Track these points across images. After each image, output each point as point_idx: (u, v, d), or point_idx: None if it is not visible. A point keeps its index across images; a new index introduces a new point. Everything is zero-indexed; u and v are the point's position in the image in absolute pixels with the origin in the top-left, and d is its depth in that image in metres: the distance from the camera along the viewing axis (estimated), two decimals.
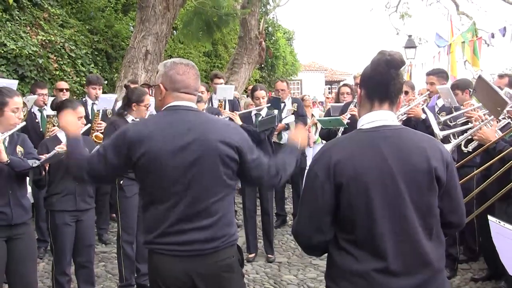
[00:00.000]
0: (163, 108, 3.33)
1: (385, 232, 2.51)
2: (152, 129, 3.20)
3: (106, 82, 12.87)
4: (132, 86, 8.17)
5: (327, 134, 7.94)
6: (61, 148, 5.04)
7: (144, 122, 3.52)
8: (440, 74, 7.28)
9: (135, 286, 6.15)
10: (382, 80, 2.66)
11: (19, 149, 4.50)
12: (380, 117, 2.66)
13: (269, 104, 7.67)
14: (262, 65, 21.94)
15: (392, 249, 2.51)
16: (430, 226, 2.59)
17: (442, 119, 6.03)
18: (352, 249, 2.58)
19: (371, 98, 2.70)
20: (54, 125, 6.60)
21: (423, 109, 6.50)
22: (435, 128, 5.60)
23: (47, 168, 5.04)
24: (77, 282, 5.61)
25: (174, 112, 3.27)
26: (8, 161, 4.21)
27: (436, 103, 7.33)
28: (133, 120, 5.93)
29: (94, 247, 5.79)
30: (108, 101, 8.12)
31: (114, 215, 9.10)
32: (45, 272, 6.69)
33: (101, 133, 7.29)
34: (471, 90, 5.37)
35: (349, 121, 7.24)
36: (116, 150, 3.21)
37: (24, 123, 4.51)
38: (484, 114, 5.35)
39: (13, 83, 6.50)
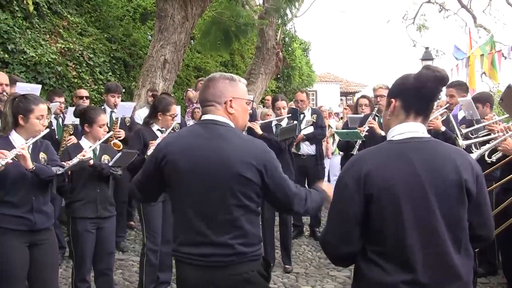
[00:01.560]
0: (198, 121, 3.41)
1: (414, 244, 2.50)
2: (176, 138, 3.33)
3: (123, 90, 12.91)
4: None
5: (345, 145, 7.97)
6: (83, 155, 5.08)
7: (177, 132, 3.55)
8: (459, 87, 7.23)
9: None
10: (427, 95, 2.67)
11: (42, 155, 4.52)
12: (411, 128, 2.66)
13: (290, 115, 7.69)
14: (278, 76, 21.94)
15: (421, 262, 2.50)
16: (459, 239, 2.57)
17: (464, 131, 5.99)
18: (381, 261, 2.56)
19: (408, 110, 2.69)
20: (70, 134, 6.63)
21: (448, 118, 6.46)
22: (459, 138, 5.58)
23: (69, 175, 5.07)
24: None
25: (201, 124, 3.31)
26: (34, 168, 4.22)
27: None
28: (158, 129, 5.95)
29: (114, 254, 5.80)
30: (126, 109, 8.14)
31: (131, 223, 9.16)
32: (63, 278, 6.69)
33: (120, 140, 7.33)
34: (500, 100, 5.32)
35: (367, 133, 7.25)
36: (152, 157, 3.38)
37: (48, 130, 4.53)
38: (508, 126, 5.32)
39: (36, 88, 6.55)
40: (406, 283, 2.50)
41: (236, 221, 3.13)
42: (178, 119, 6.95)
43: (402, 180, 2.52)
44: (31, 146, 4.36)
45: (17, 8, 11.45)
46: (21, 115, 4.31)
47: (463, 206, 2.56)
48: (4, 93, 6.30)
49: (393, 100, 2.75)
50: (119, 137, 7.49)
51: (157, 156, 3.30)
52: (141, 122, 7.48)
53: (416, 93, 2.67)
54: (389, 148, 2.66)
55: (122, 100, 8.48)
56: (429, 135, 2.74)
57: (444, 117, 6.82)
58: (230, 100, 3.27)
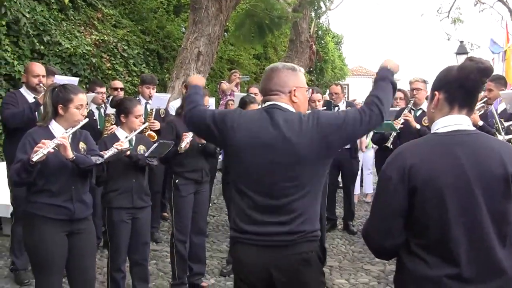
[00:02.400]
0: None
1: (459, 238, 2.46)
2: (243, 120, 3.36)
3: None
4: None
5: (379, 139, 7.90)
6: (119, 145, 5.10)
7: (241, 112, 3.58)
8: (498, 80, 7.13)
9: (187, 285, 6.15)
10: (470, 87, 2.63)
11: (81, 145, 4.54)
12: (456, 121, 2.62)
13: (325, 107, 7.65)
14: (311, 69, 21.86)
15: (465, 256, 2.46)
16: (504, 234, 2.52)
17: (506, 124, 5.90)
18: (424, 254, 2.53)
19: (452, 102, 2.64)
20: (112, 124, 6.66)
21: (485, 112, 6.38)
22: (499, 132, 5.50)
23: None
24: (131, 279, 5.65)
25: (266, 109, 3.37)
26: (74, 158, 4.24)
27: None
28: None
29: (149, 245, 5.82)
30: (161, 100, 8.17)
31: (165, 213, 9.19)
32: (98, 268, 6.71)
33: (154, 131, 7.35)
34: None
35: (402, 126, 7.19)
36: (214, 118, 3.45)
37: (87, 119, 4.54)
38: None
39: (73, 80, 6.60)
40: (450, 277, 2.47)
41: (297, 202, 3.20)
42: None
43: (447, 173, 2.48)
44: (70, 135, 4.38)
45: (52, 0, 11.58)
46: (60, 105, 4.33)
47: (508, 200, 2.51)
48: (41, 84, 6.34)
49: (436, 92, 2.70)
50: (154, 128, 7.51)
51: (220, 127, 3.38)
52: (174, 114, 7.50)
53: (459, 85, 2.62)
54: (433, 141, 2.62)
55: (156, 92, 8.50)
56: (474, 128, 2.70)
57: (482, 112, 6.73)
58: (294, 90, 3.36)
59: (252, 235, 3.26)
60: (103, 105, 7.96)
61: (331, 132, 3.18)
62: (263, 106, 3.45)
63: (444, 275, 2.47)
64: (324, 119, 3.22)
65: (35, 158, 3.94)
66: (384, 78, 3.37)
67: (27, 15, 10.32)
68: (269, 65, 3.57)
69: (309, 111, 7.30)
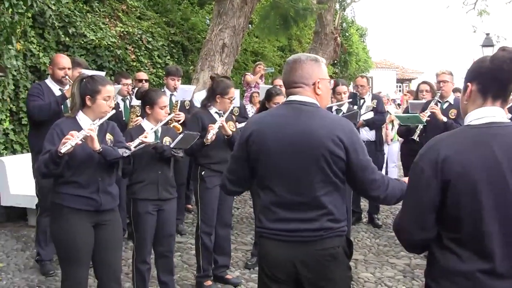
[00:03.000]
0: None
1: (493, 232, 2.40)
2: (262, 118, 3.42)
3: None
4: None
5: (405, 131, 7.85)
6: (144, 137, 5.10)
7: (263, 112, 3.63)
8: None
9: (212, 277, 6.15)
10: (504, 78, 2.54)
11: (108, 137, 4.54)
12: (490, 113, 2.55)
13: (350, 100, 7.60)
14: (335, 61, 21.73)
15: (499, 251, 2.40)
16: None
17: None
18: (457, 249, 2.48)
19: (485, 94, 2.57)
20: (137, 115, 6.67)
21: None
22: None
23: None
24: (156, 271, 5.65)
25: (289, 104, 3.36)
26: (101, 150, 4.24)
27: None
28: (216, 112, 5.92)
29: (174, 237, 5.83)
30: (186, 92, 8.18)
31: (189, 205, 9.21)
32: (122, 260, 6.72)
33: (180, 123, 7.35)
34: None
35: (428, 119, 7.14)
36: (238, 140, 3.50)
37: (114, 111, 4.54)
38: None
39: (100, 74, 6.61)
40: (483, 272, 2.42)
41: (323, 197, 3.19)
42: (236, 103, 6.90)
43: (481, 166, 2.42)
44: (98, 127, 4.38)
45: None
46: (88, 96, 4.34)
47: None
48: (67, 77, 6.37)
49: (469, 84, 2.63)
50: (179, 120, 7.50)
51: (242, 136, 3.41)
52: (199, 106, 7.49)
53: (492, 76, 2.55)
54: (467, 133, 2.56)
55: (181, 84, 8.50)
56: (508, 120, 2.63)
57: (510, 104, 6.64)
58: (318, 82, 3.33)
59: (277, 230, 3.24)
60: (128, 97, 7.98)
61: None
62: (286, 99, 3.43)
63: (477, 269, 2.42)
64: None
65: (63, 149, 3.95)
66: (400, 192, 3.34)
67: (53, 7, 10.40)
68: None
69: (335, 103, 7.28)
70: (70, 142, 3.96)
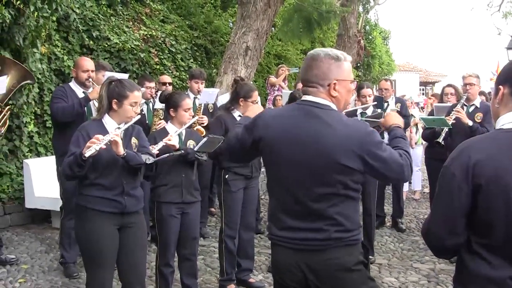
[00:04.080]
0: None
1: None
2: (274, 119, 3.26)
3: None
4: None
5: (430, 135, 7.77)
6: (168, 140, 5.09)
7: (275, 111, 3.53)
8: None
9: (236, 281, 6.13)
10: None
11: (133, 140, 4.54)
12: None
13: (375, 103, 7.55)
14: (358, 64, 21.70)
15: None
16: None
17: None
18: (487, 255, 2.42)
19: None
20: (160, 118, 6.68)
21: None
22: None
23: None
24: (180, 274, 5.65)
25: (301, 105, 3.22)
26: (124, 155, 4.25)
27: None
28: (239, 115, 5.90)
29: (198, 240, 5.82)
30: (210, 95, 8.16)
31: (212, 209, 9.20)
32: (146, 262, 6.76)
33: (203, 126, 7.34)
34: None
35: (454, 121, 7.08)
36: (248, 131, 3.37)
37: (139, 116, 4.54)
38: None
39: (123, 77, 6.62)
40: None
41: (330, 209, 3.06)
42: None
43: None
44: (123, 131, 4.38)
45: None
46: (115, 100, 4.35)
47: None
48: (90, 79, 6.40)
49: (501, 87, 2.56)
50: (202, 123, 7.49)
51: (253, 130, 3.31)
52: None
53: None
54: (499, 137, 2.49)
55: (204, 87, 8.51)
56: None
57: None
58: (334, 83, 3.14)
59: (286, 238, 3.17)
60: (151, 100, 8.00)
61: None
62: (301, 99, 3.26)
63: (509, 276, 2.37)
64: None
65: (87, 153, 3.96)
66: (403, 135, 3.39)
67: (77, 11, 10.52)
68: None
69: (359, 106, 7.23)
70: (94, 146, 3.97)
